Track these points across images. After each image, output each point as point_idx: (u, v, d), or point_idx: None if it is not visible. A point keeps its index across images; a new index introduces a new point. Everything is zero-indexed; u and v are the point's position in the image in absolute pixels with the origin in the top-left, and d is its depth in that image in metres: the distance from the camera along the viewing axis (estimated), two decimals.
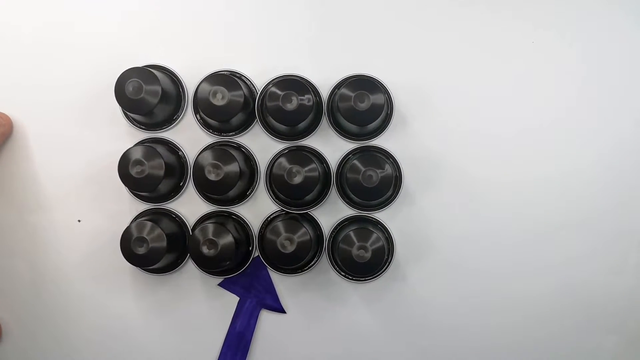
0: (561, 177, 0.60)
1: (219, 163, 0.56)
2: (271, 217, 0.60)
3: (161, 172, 0.56)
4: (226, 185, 0.56)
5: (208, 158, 0.56)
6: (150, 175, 0.56)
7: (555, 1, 0.60)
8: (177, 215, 0.60)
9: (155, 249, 0.56)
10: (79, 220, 0.61)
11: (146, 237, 0.56)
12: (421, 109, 0.60)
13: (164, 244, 0.56)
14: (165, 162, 0.56)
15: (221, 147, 0.58)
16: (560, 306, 0.60)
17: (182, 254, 0.60)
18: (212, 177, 0.56)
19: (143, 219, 0.57)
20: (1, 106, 0.61)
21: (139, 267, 0.58)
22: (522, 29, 0.60)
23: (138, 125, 0.60)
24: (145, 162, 0.56)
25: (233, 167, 0.56)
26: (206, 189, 0.57)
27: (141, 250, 0.56)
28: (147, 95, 0.56)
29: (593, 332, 0.60)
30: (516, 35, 0.60)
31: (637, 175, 0.60)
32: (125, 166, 0.56)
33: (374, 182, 0.56)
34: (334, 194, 0.60)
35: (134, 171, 0.56)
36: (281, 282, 0.61)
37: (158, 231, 0.56)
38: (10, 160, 0.61)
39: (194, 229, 0.59)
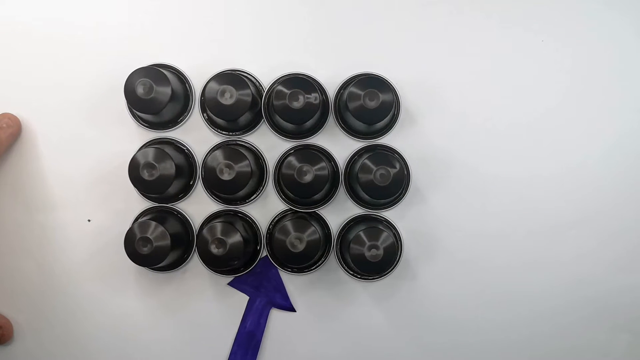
0: (571, 174, 0.60)
1: (231, 162, 0.56)
2: (279, 216, 0.60)
3: (172, 174, 0.56)
4: (239, 185, 0.56)
5: (219, 157, 0.56)
6: (161, 177, 0.56)
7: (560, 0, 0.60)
8: (179, 212, 0.60)
9: (159, 247, 0.56)
10: (89, 220, 0.61)
11: (150, 237, 0.56)
12: (428, 107, 0.60)
13: (168, 242, 0.56)
14: (175, 164, 0.56)
15: (232, 147, 0.57)
16: (570, 303, 0.61)
17: (188, 249, 0.60)
18: (224, 176, 0.56)
19: (146, 218, 0.57)
20: (10, 107, 0.60)
21: (144, 266, 0.58)
22: (531, 27, 0.60)
23: (145, 124, 0.60)
24: (156, 165, 0.56)
25: (245, 167, 0.56)
26: (218, 189, 0.57)
27: (145, 250, 0.56)
28: (158, 95, 0.55)
29: (603, 329, 0.61)
30: (525, 33, 0.60)
31: None
32: (135, 169, 0.56)
33: (387, 180, 0.56)
34: (341, 192, 0.60)
35: (145, 174, 0.56)
36: (290, 281, 0.61)
37: (161, 230, 0.56)
38: (19, 160, 0.60)
39: (201, 228, 0.59)
